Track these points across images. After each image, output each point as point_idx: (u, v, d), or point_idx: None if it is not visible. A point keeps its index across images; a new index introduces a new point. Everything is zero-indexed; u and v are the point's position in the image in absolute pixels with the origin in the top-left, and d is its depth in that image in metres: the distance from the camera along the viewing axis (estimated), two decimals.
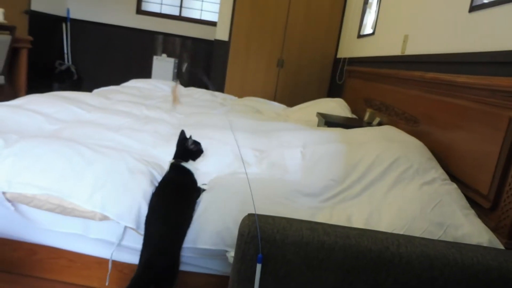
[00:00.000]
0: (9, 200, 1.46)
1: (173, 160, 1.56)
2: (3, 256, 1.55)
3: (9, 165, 1.47)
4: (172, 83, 3.77)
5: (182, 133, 1.62)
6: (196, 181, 1.56)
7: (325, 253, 1.05)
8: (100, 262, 1.53)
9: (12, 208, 1.47)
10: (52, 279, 1.56)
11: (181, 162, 1.55)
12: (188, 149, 1.57)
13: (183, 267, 1.51)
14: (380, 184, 1.67)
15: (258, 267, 1.05)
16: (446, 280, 1.05)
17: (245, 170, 1.45)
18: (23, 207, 1.48)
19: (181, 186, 1.50)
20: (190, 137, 1.61)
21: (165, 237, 1.39)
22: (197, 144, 1.60)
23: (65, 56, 6.45)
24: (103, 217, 1.41)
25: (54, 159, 1.50)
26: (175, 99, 2.86)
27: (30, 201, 1.44)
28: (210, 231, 1.42)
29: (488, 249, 1.16)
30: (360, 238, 1.08)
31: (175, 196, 1.46)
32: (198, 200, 1.51)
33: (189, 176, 1.55)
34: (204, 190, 1.56)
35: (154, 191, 1.48)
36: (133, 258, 1.48)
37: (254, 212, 1.14)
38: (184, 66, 4.14)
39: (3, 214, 1.50)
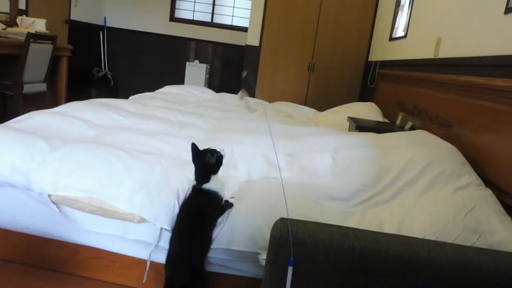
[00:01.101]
0: (54, 202, 1.55)
1: (195, 183, 1.52)
2: (48, 255, 1.64)
3: (54, 169, 1.56)
4: (238, 96, 3.81)
5: (194, 148, 1.49)
6: (217, 200, 1.51)
7: (355, 258, 1.07)
8: (138, 262, 1.60)
9: (57, 210, 1.56)
10: (93, 278, 1.64)
11: (202, 185, 1.49)
12: (209, 164, 1.47)
13: (216, 269, 1.56)
14: (412, 188, 1.66)
15: (290, 270, 1.08)
16: (477, 286, 1.05)
17: (280, 175, 1.48)
18: (67, 209, 1.57)
19: (195, 210, 1.48)
20: (199, 150, 1.49)
21: (180, 259, 1.44)
22: (213, 153, 1.48)
23: (102, 63, 6.69)
24: (141, 219, 1.48)
25: (96, 164, 1.59)
26: (249, 109, 2.94)
27: (73, 203, 1.53)
28: (243, 233, 1.47)
29: None
30: (391, 243, 1.09)
31: (189, 219, 1.47)
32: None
33: (209, 198, 1.49)
34: (232, 204, 1.54)
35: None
36: None
37: (286, 216, 1.16)
38: (244, 73, 4.18)
39: (48, 215, 1.60)
